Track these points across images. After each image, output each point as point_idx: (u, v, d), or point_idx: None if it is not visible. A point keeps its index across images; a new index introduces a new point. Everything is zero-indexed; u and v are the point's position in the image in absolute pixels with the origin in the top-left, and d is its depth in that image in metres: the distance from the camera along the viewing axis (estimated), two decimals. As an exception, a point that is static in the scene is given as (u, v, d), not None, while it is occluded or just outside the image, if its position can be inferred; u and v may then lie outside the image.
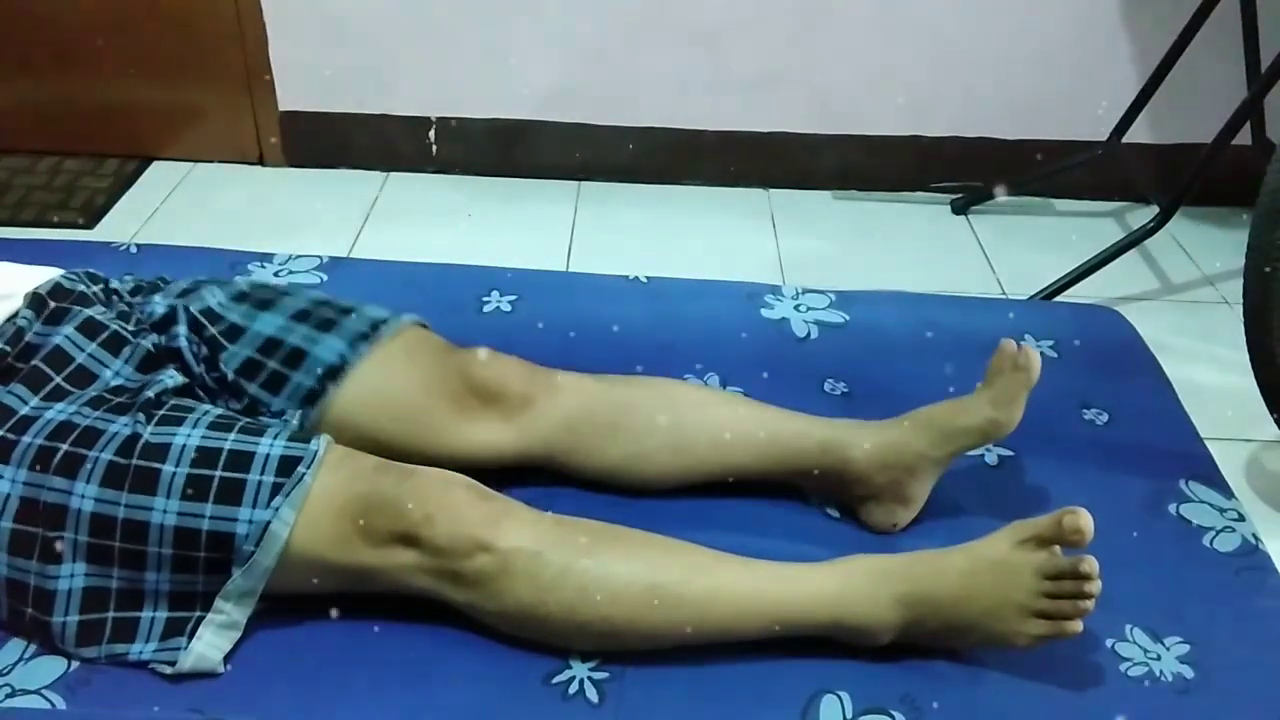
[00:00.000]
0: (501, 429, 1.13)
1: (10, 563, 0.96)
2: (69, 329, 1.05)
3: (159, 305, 1.13)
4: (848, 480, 1.15)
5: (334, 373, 1.09)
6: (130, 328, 1.09)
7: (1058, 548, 0.98)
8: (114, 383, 1.04)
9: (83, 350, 1.05)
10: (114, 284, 1.17)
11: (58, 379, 1.02)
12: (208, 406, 1.02)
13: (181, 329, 1.09)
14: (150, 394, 1.00)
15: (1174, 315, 2.08)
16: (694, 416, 1.17)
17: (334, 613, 1.02)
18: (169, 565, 0.95)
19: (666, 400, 1.18)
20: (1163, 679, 1.02)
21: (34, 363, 1.02)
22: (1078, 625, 0.97)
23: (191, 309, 1.11)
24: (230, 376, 1.09)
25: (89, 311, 1.08)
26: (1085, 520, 0.96)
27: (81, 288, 1.12)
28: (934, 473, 1.15)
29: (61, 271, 1.13)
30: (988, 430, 1.13)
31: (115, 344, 1.06)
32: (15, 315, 1.06)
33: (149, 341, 1.08)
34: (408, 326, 1.17)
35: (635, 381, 1.22)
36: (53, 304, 1.08)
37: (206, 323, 1.11)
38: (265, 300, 1.16)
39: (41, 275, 1.12)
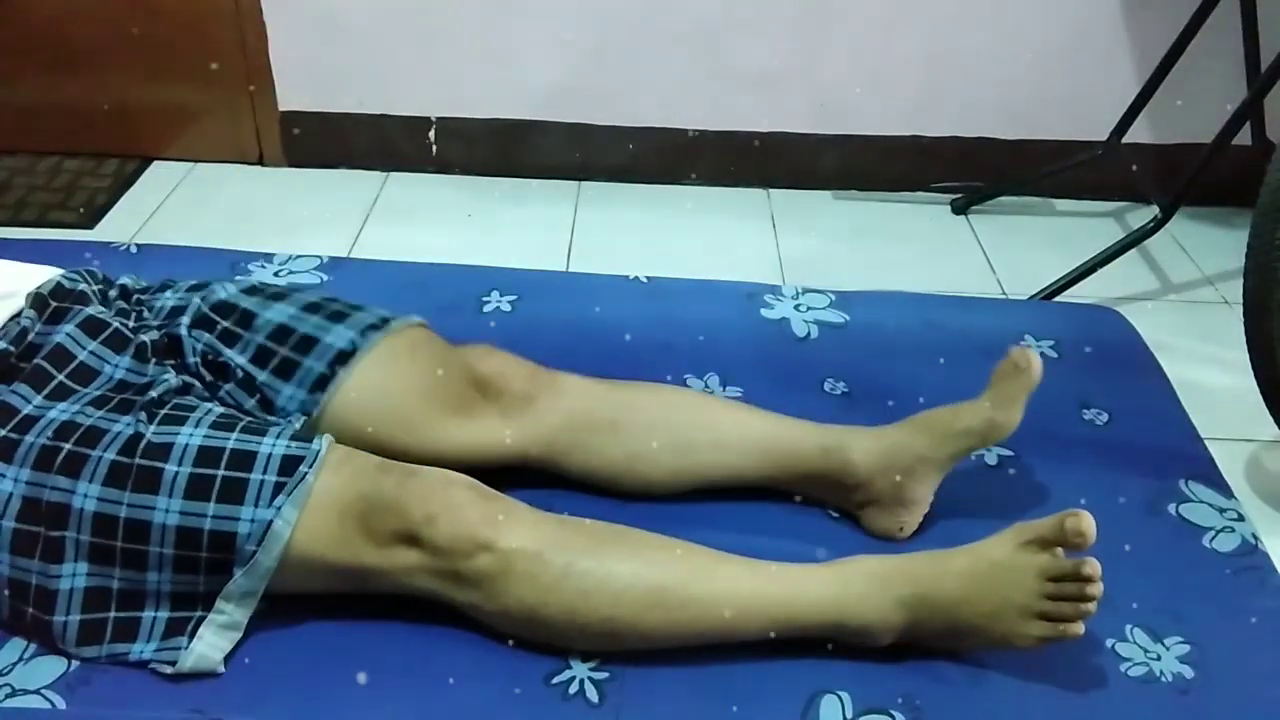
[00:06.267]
0: (501, 426, 1.13)
1: (12, 562, 0.96)
2: (70, 327, 1.05)
3: (169, 299, 1.14)
4: (849, 485, 1.15)
5: (344, 357, 1.09)
6: (131, 324, 1.10)
7: (1060, 550, 0.98)
8: (117, 377, 1.04)
9: (84, 348, 1.05)
10: (121, 281, 1.17)
11: (60, 376, 1.02)
12: (210, 406, 1.02)
13: (185, 319, 1.09)
14: (154, 394, 1.00)
15: (1174, 315, 2.08)
16: (697, 419, 1.17)
17: (335, 614, 1.02)
18: (171, 565, 0.95)
19: (669, 403, 1.19)
20: (1163, 679, 1.02)
21: (36, 361, 1.02)
22: (1079, 627, 0.97)
23: (203, 302, 1.12)
24: (244, 365, 1.09)
25: (89, 310, 1.08)
26: (1088, 523, 0.96)
27: (82, 286, 1.12)
28: (935, 476, 1.14)
29: (61, 271, 1.14)
30: (986, 431, 1.13)
31: (117, 341, 1.07)
32: (19, 315, 1.07)
33: (149, 336, 1.08)
34: (415, 324, 1.18)
35: (638, 385, 1.21)
36: (54, 304, 1.08)
37: (218, 317, 1.11)
38: (277, 293, 1.16)
39: (43, 275, 1.12)
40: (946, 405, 1.15)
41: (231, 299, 1.13)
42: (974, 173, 2.42)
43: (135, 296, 1.16)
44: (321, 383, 1.08)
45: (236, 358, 1.09)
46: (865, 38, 2.30)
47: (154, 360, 1.07)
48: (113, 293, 1.15)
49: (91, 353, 1.05)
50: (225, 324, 1.11)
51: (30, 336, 1.05)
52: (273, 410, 1.08)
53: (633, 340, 1.44)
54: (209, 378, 1.08)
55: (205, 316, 1.11)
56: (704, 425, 1.17)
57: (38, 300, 1.08)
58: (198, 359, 1.08)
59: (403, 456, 1.03)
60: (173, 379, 1.03)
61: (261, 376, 1.09)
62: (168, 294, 1.15)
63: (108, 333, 1.07)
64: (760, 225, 2.36)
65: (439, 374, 1.13)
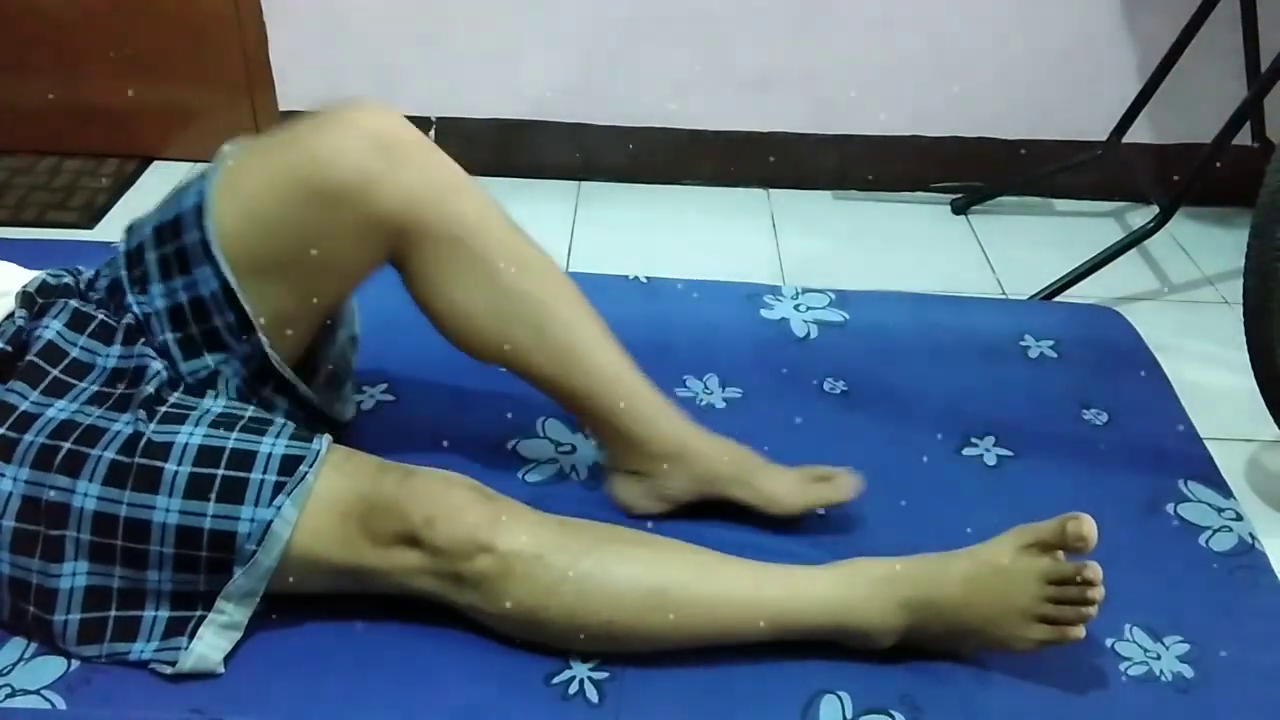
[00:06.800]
0: (373, 182, 1.02)
1: (12, 561, 0.96)
2: (58, 324, 1.05)
3: (103, 280, 1.10)
4: (633, 446, 1.14)
5: (199, 211, 1.02)
6: (114, 315, 1.08)
7: (1061, 553, 0.98)
8: (109, 366, 1.03)
9: (74, 345, 1.04)
10: (87, 275, 1.15)
11: (55, 372, 1.02)
12: (210, 404, 1.02)
13: (129, 296, 1.06)
14: (150, 389, 0.99)
15: (1174, 315, 2.08)
16: (567, 314, 1.14)
17: (335, 614, 1.02)
18: (171, 565, 0.95)
19: (553, 283, 1.15)
20: (1162, 678, 1.02)
21: (29, 358, 1.02)
22: (1080, 631, 0.97)
23: (120, 268, 1.07)
24: (161, 308, 1.04)
25: (73, 303, 1.07)
26: (1089, 527, 0.96)
27: (67, 280, 1.12)
28: (695, 491, 1.14)
29: (47, 270, 1.13)
30: (759, 502, 1.14)
31: (104, 333, 1.05)
32: (11, 314, 1.07)
33: (128, 320, 1.06)
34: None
35: (534, 250, 1.17)
36: (40, 300, 1.08)
37: (130, 269, 1.07)
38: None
39: (29, 274, 1.12)
40: (754, 452, 1.15)
41: (129, 248, 1.08)
42: (974, 173, 2.42)
43: (96, 288, 1.13)
44: (205, 248, 1.01)
45: (157, 300, 1.04)
46: (865, 38, 2.30)
47: (142, 341, 1.04)
48: (80, 283, 1.14)
49: (82, 348, 1.04)
50: (135, 271, 1.06)
51: (23, 335, 1.05)
52: (208, 315, 1.02)
53: (632, 340, 1.44)
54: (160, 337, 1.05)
55: (129, 279, 1.07)
56: (568, 322, 1.13)
57: (26, 299, 1.07)
58: (157, 336, 1.05)
59: (308, 239, 1.01)
60: (160, 368, 1.02)
61: (179, 285, 1.03)
62: (100, 278, 1.12)
63: (93, 325, 1.06)
64: (760, 225, 2.36)
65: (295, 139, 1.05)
